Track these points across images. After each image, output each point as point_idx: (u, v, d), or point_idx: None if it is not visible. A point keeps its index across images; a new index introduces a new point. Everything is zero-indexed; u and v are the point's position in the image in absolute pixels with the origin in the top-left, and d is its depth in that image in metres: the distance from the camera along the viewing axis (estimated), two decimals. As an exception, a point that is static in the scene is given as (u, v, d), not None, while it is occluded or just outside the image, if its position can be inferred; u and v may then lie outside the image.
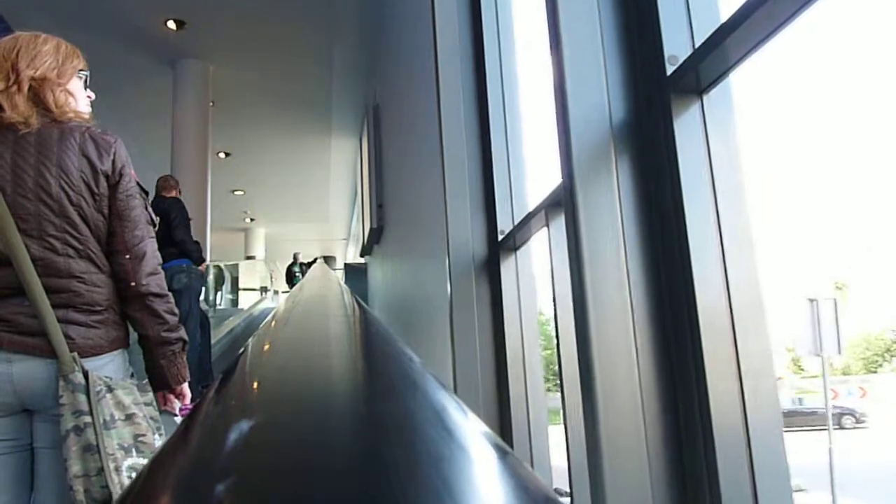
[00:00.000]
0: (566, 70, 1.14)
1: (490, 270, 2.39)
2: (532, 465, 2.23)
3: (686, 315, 1.04)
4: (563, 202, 1.15)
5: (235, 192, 12.95)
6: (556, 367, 1.85)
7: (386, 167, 5.73)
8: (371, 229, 6.28)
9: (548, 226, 1.76)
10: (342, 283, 1.91)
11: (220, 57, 6.71)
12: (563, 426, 1.72)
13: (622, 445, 1.10)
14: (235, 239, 16.88)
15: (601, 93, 1.13)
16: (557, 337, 1.74)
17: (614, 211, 1.10)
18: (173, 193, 4.85)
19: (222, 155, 9.79)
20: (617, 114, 1.12)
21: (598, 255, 1.09)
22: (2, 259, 1.42)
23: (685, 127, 1.06)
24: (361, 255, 8.78)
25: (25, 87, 1.47)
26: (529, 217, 2.03)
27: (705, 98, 1.07)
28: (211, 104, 7.18)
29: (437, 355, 2.73)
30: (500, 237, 2.34)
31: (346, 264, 9.91)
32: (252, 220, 16.17)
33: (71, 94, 1.56)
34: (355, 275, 8.85)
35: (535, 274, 2.36)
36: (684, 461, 1.11)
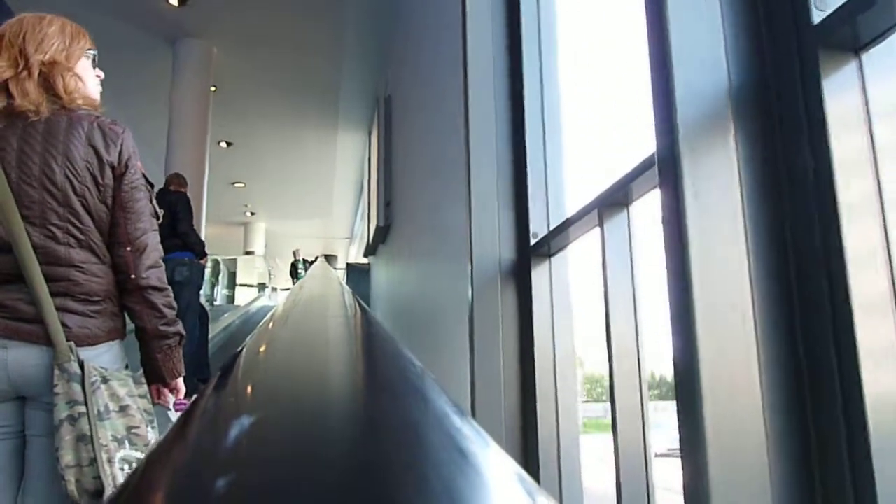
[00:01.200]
0: (669, 18, 0.87)
1: (519, 278, 2.12)
2: (561, 502, 1.95)
3: (833, 341, 0.76)
4: (662, 187, 0.88)
5: (236, 185, 12.69)
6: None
7: (396, 162, 5.47)
8: (377, 227, 6.02)
9: (602, 227, 1.49)
10: (343, 282, 1.80)
11: (223, 38, 6.43)
12: (614, 455, 1.46)
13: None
14: (234, 233, 16.63)
15: (717, 46, 0.86)
16: (610, 351, 1.47)
17: (732, 201, 0.83)
18: (181, 189, 5.04)
19: (223, 144, 9.53)
20: (738, 74, 0.85)
21: (709, 257, 0.81)
22: (3, 245, 1.43)
23: (837, 93, 0.78)
24: (365, 255, 8.52)
25: (36, 73, 1.47)
26: (573, 220, 1.76)
27: (865, 58, 0.80)
28: (212, 89, 6.92)
29: (452, 371, 2.46)
30: (533, 241, 2.07)
31: (348, 264, 9.62)
32: (252, 214, 15.91)
33: (80, 78, 1.56)
34: (358, 276, 8.59)
35: (571, 284, 2.09)
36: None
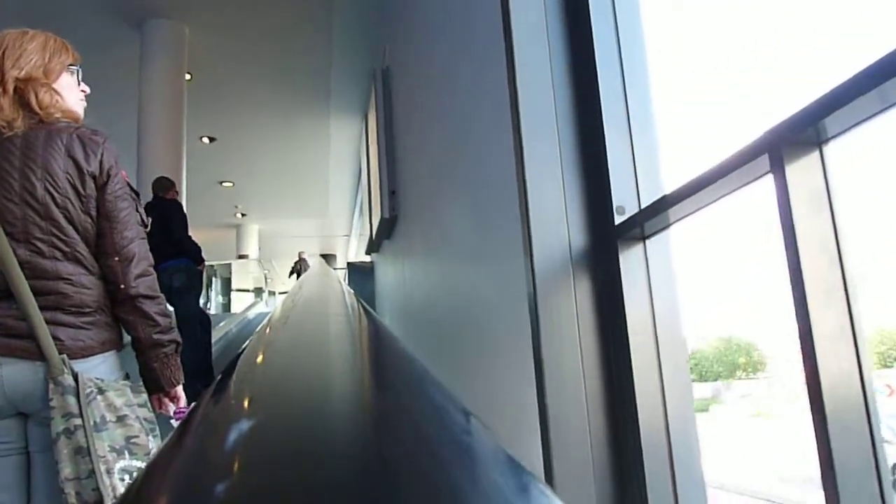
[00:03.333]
0: None
1: (600, 271, 1.58)
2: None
3: None
4: None
5: (224, 184, 12.10)
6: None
7: (401, 144, 4.90)
8: (382, 220, 5.46)
9: (783, 174, 0.94)
10: (343, 282, 1.71)
11: (196, 16, 5.81)
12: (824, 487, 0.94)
13: None
14: (226, 236, 16.06)
15: None
16: (811, 347, 0.93)
17: None
18: (171, 195, 5.06)
19: (206, 140, 8.93)
20: None
21: None
22: None
23: None
24: (367, 253, 7.97)
25: (10, 89, 1.51)
26: (702, 181, 1.21)
27: None
28: (188, 77, 6.33)
29: (508, 395, 1.91)
30: (619, 220, 1.53)
31: (349, 263, 9.03)
32: (243, 215, 15.33)
33: (58, 92, 1.57)
34: (361, 276, 8.04)
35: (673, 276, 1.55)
36: None
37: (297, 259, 14.67)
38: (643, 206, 1.51)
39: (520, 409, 1.69)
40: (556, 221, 1.61)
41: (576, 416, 1.52)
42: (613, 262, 1.53)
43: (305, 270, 12.71)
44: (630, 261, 1.52)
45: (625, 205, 1.55)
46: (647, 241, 1.52)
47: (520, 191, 1.66)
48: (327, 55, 6.41)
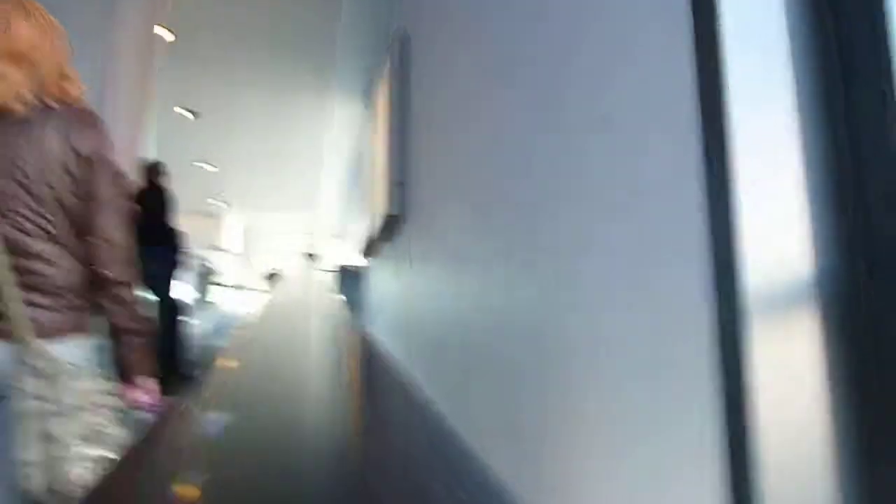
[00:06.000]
0: None
1: (870, 301, 0.85)
2: None
3: None
4: None
5: (206, 167, 11.32)
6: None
7: (417, 126, 4.18)
8: (387, 217, 4.74)
9: None
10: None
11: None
12: None
13: None
14: (205, 226, 15.32)
15: None
16: None
17: None
18: (160, 181, 5.19)
19: (188, 114, 8.17)
20: None
21: None
22: None
23: None
24: (363, 256, 7.21)
25: (47, 82, 1.58)
26: None
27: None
28: (172, 39, 5.58)
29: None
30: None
31: (342, 268, 8.24)
32: (226, 203, 14.59)
33: (71, 80, 1.65)
34: (355, 282, 7.28)
35: None
36: None
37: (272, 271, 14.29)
38: None
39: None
40: (789, 221, 0.88)
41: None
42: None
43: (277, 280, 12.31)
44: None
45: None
46: None
47: (709, 170, 0.92)
48: (334, 16, 5.69)
